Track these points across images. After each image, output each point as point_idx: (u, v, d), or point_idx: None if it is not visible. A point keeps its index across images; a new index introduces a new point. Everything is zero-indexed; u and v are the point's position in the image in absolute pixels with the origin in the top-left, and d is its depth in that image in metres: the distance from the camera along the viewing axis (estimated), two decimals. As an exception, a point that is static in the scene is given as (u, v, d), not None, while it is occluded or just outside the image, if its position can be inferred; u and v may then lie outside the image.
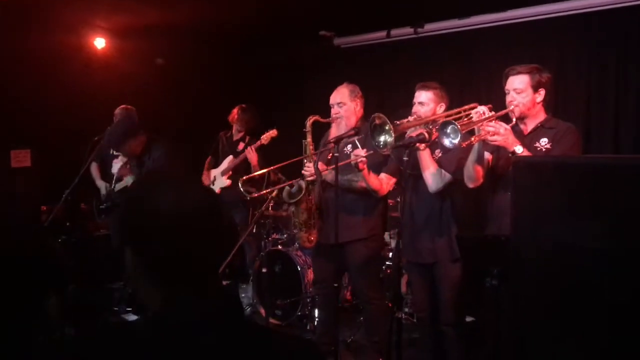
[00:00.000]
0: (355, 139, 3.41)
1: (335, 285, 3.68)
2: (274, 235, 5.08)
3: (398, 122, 3.03)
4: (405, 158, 2.92)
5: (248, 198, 4.07)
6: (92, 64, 5.72)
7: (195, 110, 6.14)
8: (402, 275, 4.13)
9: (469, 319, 4.07)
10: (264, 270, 4.03)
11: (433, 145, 3.23)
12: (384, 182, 3.49)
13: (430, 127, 3.04)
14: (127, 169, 4.65)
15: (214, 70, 6.28)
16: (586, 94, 4.49)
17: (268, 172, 4.44)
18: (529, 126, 3.00)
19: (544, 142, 2.92)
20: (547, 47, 4.64)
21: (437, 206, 3.27)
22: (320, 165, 3.55)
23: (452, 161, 3.19)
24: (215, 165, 5.35)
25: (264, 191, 3.76)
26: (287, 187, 3.74)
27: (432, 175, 3.20)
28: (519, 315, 2.20)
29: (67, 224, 4.49)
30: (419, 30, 5.30)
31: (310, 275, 4.59)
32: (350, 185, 3.54)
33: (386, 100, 5.42)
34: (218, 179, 5.22)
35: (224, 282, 5.48)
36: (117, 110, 4.98)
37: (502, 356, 2.79)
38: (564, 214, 2.03)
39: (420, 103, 3.34)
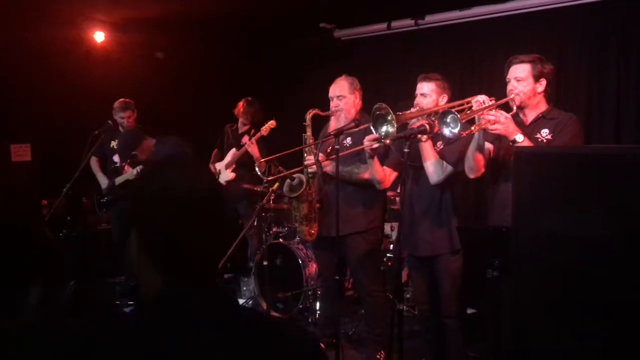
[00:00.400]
0: (366, 126, 3.36)
1: (337, 277, 3.68)
2: (275, 229, 5.08)
3: (400, 113, 3.02)
4: (406, 150, 2.91)
5: (265, 180, 4.15)
6: (92, 58, 5.71)
7: (195, 103, 6.13)
8: (403, 268, 4.13)
9: (470, 311, 4.07)
10: (265, 263, 4.03)
11: (435, 137, 3.22)
12: (387, 174, 3.49)
13: (433, 118, 3.03)
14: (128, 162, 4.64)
15: (214, 63, 6.27)
16: (588, 85, 4.48)
17: (268, 164, 4.44)
18: (529, 117, 2.98)
19: (545, 133, 2.90)
20: (548, 38, 4.61)
21: (437, 198, 3.27)
22: (320, 157, 3.54)
23: (453, 153, 3.18)
24: (221, 158, 5.35)
25: (271, 177, 3.76)
26: (288, 181, 3.74)
27: (433, 167, 3.19)
28: (519, 306, 2.20)
29: (68, 218, 4.48)
30: (420, 22, 5.28)
31: (311, 268, 4.59)
32: (350, 177, 3.54)
33: (387, 92, 5.39)
34: (222, 172, 5.22)
35: (226, 275, 5.50)
36: (116, 104, 4.97)
37: (503, 348, 2.78)
38: (565, 204, 2.02)
39: (423, 94, 3.32)
